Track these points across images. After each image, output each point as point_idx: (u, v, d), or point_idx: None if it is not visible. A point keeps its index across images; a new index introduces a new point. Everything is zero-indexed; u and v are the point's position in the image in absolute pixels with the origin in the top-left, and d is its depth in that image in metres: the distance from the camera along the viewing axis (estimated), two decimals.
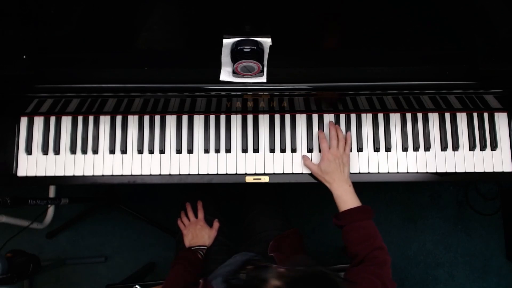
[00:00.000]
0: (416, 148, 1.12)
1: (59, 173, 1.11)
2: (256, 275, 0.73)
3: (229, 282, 0.89)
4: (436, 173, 1.11)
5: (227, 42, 0.90)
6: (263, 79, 0.95)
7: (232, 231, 1.31)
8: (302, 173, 1.11)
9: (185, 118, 1.13)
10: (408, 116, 1.13)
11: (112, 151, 1.11)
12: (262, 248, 1.17)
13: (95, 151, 1.11)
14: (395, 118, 1.13)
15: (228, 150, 1.12)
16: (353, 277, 0.89)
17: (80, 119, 1.12)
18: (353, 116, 1.13)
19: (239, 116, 1.13)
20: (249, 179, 1.11)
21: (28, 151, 1.10)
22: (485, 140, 1.12)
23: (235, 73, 0.93)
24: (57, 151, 1.11)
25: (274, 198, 1.36)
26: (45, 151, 1.11)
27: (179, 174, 1.11)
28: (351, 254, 0.97)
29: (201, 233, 1.19)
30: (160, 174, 1.11)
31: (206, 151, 1.11)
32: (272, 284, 0.68)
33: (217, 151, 1.12)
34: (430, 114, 1.13)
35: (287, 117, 1.13)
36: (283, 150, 1.12)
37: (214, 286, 0.91)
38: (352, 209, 1.00)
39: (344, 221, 0.99)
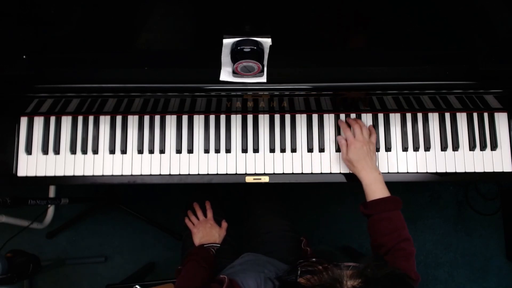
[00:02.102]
0: (416, 148, 1.12)
1: (59, 173, 1.11)
2: (330, 274, 0.71)
3: (283, 280, 0.87)
4: (436, 173, 1.11)
5: (227, 42, 0.90)
6: (263, 79, 0.95)
7: (235, 231, 1.31)
8: (302, 173, 1.11)
9: (185, 118, 1.13)
10: (408, 116, 1.13)
11: (112, 151, 1.11)
12: (268, 248, 1.17)
13: (95, 151, 1.11)
14: (395, 118, 1.13)
15: (228, 150, 1.12)
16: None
17: (80, 119, 1.12)
18: (353, 116, 1.13)
19: (239, 116, 1.13)
20: (249, 179, 1.11)
21: (28, 151, 1.10)
22: (485, 140, 1.12)
23: (235, 73, 0.93)
24: (57, 151, 1.11)
25: (277, 198, 1.36)
26: (45, 151, 1.11)
27: (179, 174, 1.11)
28: (376, 244, 0.97)
29: (211, 231, 1.19)
30: (160, 174, 1.11)
31: (206, 151, 1.11)
32: (348, 284, 0.67)
33: (217, 151, 1.12)
34: (430, 114, 1.13)
35: (287, 117, 1.13)
36: (283, 150, 1.12)
37: (240, 283, 0.89)
38: (382, 199, 0.99)
39: (372, 210, 0.99)
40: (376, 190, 1.01)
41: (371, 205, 1.00)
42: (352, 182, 1.10)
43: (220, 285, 0.89)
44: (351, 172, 1.10)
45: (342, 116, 1.13)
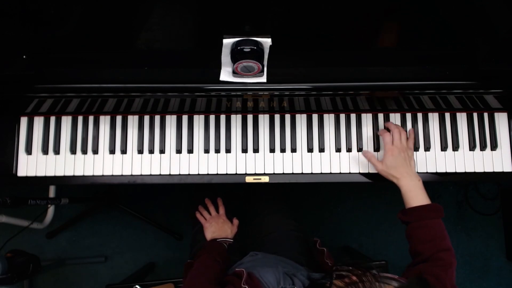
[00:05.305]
0: (416, 148, 1.11)
1: (59, 173, 1.11)
2: (368, 286, 0.68)
3: (315, 282, 0.85)
4: (436, 173, 1.11)
5: (227, 42, 0.90)
6: (263, 79, 0.95)
7: (241, 230, 1.31)
8: (302, 173, 1.11)
9: (185, 118, 1.13)
10: (408, 116, 1.13)
11: (112, 151, 1.11)
12: (274, 248, 1.16)
13: (95, 151, 1.11)
14: (395, 118, 1.13)
15: (228, 150, 1.12)
16: (413, 275, 0.86)
17: (80, 119, 1.12)
18: (353, 116, 1.13)
19: (239, 116, 1.13)
20: (249, 179, 1.11)
21: (28, 151, 1.10)
22: (485, 140, 1.12)
23: (235, 73, 0.93)
24: (57, 151, 1.11)
25: (282, 198, 1.35)
26: (45, 151, 1.11)
27: (179, 174, 1.11)
28: (414, 252, 0.95)
29: (223, 226, 1.19)
30: (160, 174, 1.11)
31: (206, 151, 1.11)
32: None
33: (217, 151, 1.12)
34: (430, 114, 1.13)
35: (287, 117, 1.13)
36: (283, 150, 1.12)
37: (259, 276, 0.88)
38: (422, 206, 0.96)
39: (411, 217, 0.96)
40: (415, 197, 0.98)
41: (410, 212, 0.97)
42: (358, 182, 1.11)
43: (239, 278, 0.88)
44: (352, 172, 1.10)
45: (342, 116, 1.13)
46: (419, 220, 0.95)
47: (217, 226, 1.19)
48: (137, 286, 1.25)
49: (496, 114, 1.13)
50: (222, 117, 1.13)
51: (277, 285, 0.86)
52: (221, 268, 1.03)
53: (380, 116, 1.13)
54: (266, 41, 0.90)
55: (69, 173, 1.11)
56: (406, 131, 1.11)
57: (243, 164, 1.11)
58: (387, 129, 1.09)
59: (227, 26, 0.91)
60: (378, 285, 0.68)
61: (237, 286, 0.86)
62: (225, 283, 0.91)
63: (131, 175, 1.11)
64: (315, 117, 1.13)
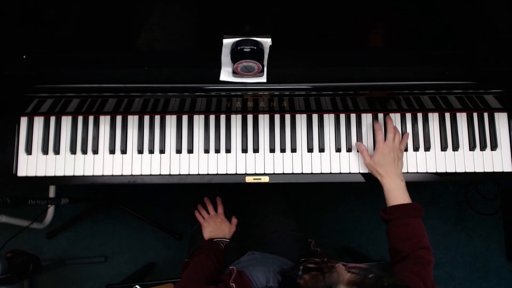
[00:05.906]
0: (416, 148, 1.12)
1: (59, 173, 1.11)
2: (327, 279, 0.70)
3: (285, 275, 0.87)
4: (436, 173, 1.11)
5: (227, 42, 0.90)
6: (263, 79, 0.95)
7: (241, 230, 1.31)
8: (302, 173, 1.11)
9: (185, 118, 1.13)
10: (408, 116, 1.13)
11: (112, 151, 1.11)
12: (275, 248, 1.16)
13: (95, 151, 1.11)
14: (395, 118, 1.13)
15: (228, 150, 1.12)
16: (396, 274, 0.87)
17: (80, 119, 1.12)
18: (353, 116, 1.13)
19: (239, 116, 1.13)
20: (249, 179, 1.11)
21: (28, 151, 1.10)
22: (485, 140, 1.12)
23: (235, 73, 0.93)
24: (57, 151, 1.11)
25: (283, 198, 1.36)
26: (45, 151, 1.11)
27: (179, 174, 1.11)
28: (394, 250, 0.96)
29: (221, 226, 1.20)
30: (160, 174, 1.11)
31: (206, 151, 1.11)
32: None
33: (217, 151, 1.12)
34: (430, 114, 1.13)
35: (287, 117, 1.13)
36: (283, 150, 1.12)
37: (249, 275, 0.89)
38: (403, 204, 0.99)
39: (392, 215, 0.98)
40: (397, 196, 1.00)
41: (391, 211, 0.99)
42: (358, 182, 1.11)
43: (230, 277, 0.89)
44: (352, 172, 1.10)
45: (342, 116, 1.13)
46: (400, 218, 0.97)
47: (215, 226, 1.20)
48: (137, 286, 1.25)
49: (496, 114, 1.13)
50: (222, 117, 1.13)
51: (266, 284, 0.87)
52: (216, 267, 1.04)
53: (380, 116, 1.13)
54: (266, 41, 0.90)
55: (69, 173, 1.11)
56: (406, 132, 1.11)
57: (243, 164, 1.11)
58: (385, 124, 1.09)
59: (227, 26, 0.91)
60: (337, 278, 0.69)
61: (227, 284, 0.87)
62: (218, 282, 0.92)
63: (131, 175, 1.11)
64: (315, 117, 1.13)
